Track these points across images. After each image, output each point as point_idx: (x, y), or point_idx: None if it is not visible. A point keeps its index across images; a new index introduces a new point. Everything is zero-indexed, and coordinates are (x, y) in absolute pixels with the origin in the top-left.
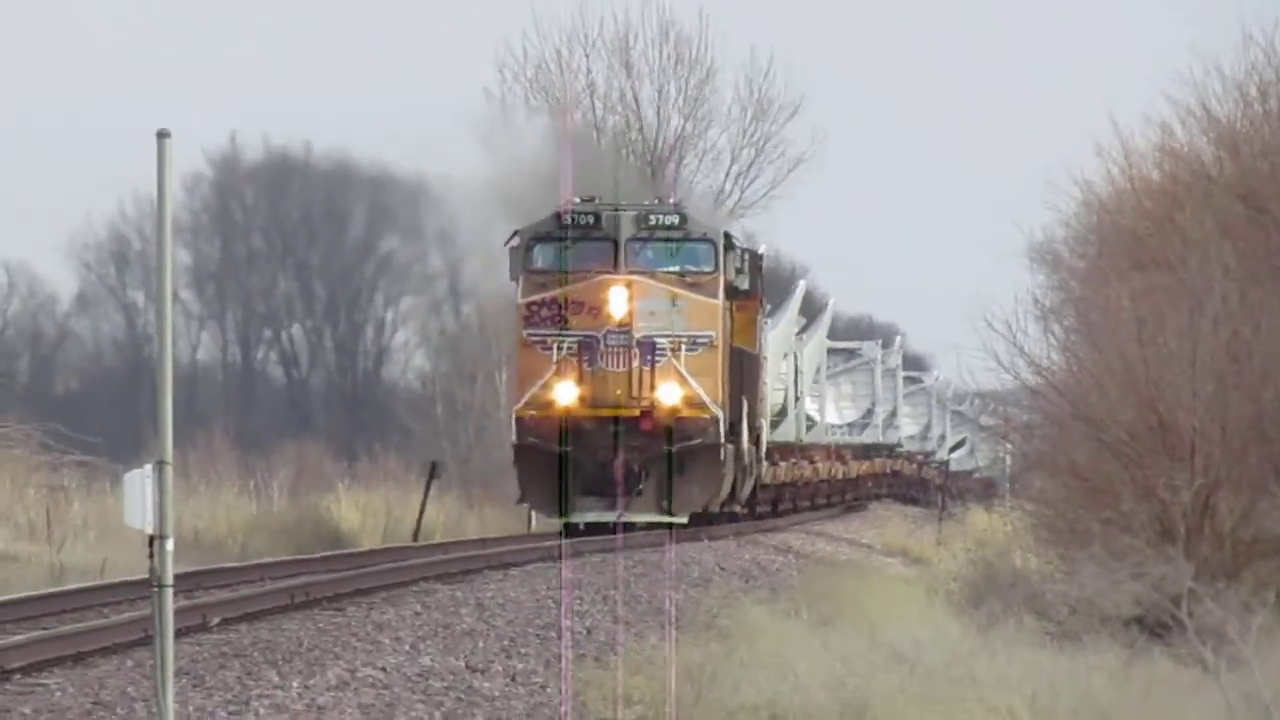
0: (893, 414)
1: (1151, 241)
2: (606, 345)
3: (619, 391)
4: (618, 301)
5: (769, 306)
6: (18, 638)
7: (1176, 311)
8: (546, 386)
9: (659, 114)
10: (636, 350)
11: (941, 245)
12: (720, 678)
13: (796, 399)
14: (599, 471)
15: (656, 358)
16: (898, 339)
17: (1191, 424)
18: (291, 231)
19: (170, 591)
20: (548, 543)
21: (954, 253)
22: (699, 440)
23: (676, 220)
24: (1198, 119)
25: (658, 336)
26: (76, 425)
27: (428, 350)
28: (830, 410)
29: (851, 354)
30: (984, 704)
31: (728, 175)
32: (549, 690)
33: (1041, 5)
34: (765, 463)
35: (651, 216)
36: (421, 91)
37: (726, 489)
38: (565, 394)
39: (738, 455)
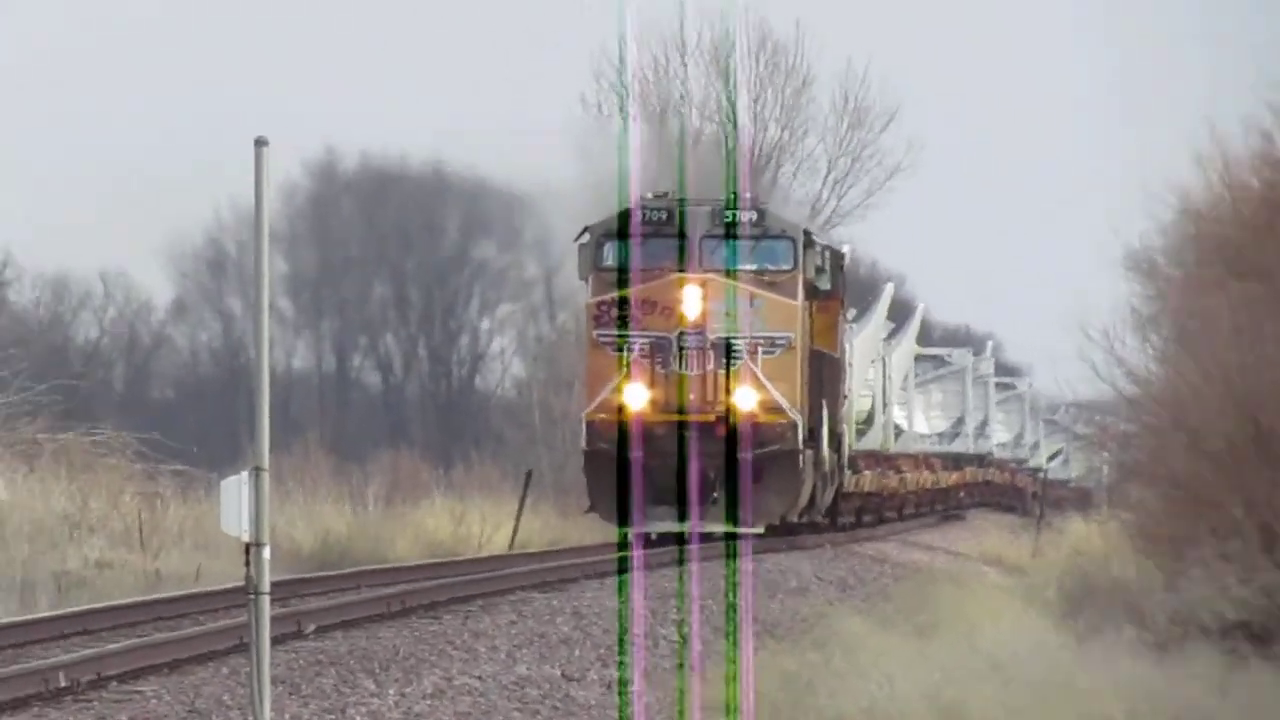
0: (984, 423)
1: (1250, 250)
2: (680, 347)
3: (692, 395)
4: (691, 301)
5: (855, 311)
6: (114, 645)
7: (1275, 320)
8: (617, 390)
9: (756, 122)
10: (711, 352)
11: (1039, 254)
12: (816, 686)
13: (884, 407)
14: (671, 479)
15: (732, 360)
16: (989, 345)
17: None
18: (387, 240)
19: (267, 599)
20: (646, 551)
21: (1052, 262)
22: (776, 447)
23: (754, 216)
24: None
25: (733, 338)
26: (172, 433)
27: (524, 358)
28: (919, 419)
29: (941, 361)
30: (1082, 714)
31: (824, 183)
32: (646, 699)
33: (1141, 11)
34: (848, 471)
35: (727, 212)
36: (518, 99)
37: (805, 498)
38: (636, 398)
39: (817, 463)
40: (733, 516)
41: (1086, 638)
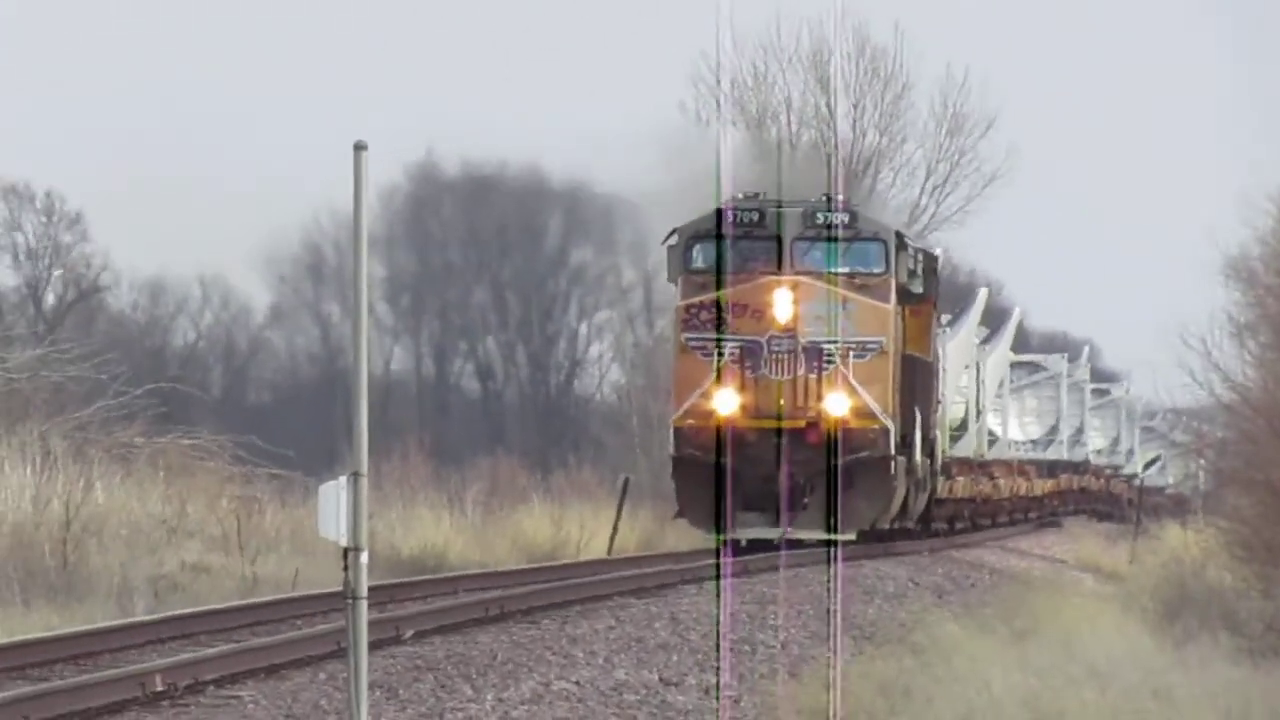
0: (1079, 430)
1: None
2: (770, 351)
3: (783, 401)
4: (782, 304)
5: (949, 316)
6: (211, 650)
7: None
8: (706, 395)
9: (855, 129)
10: (802, 357)
11: (1138, 261)
12: (914, 692)
13: (978, 413)
14: (761, 486)
15: (823, 365)
16: (1085, 351)
17: None
18: (487, 244)
19: (364, 604)
20: (743, 557)
21: (1150, 269)
22: (868, 453)
23: (846, 218)
24: None
25: (824, 342)
26: (270, 437)
27: (622, 363)
28: (1013, 425)
29: (1036, 368)
30: None
31: (923, 190)
32: (743, 704)
33: (1234, 20)
34: (942, 477)
35: (819, 214)
36: (617, 105)
37: (897, 505)
38: (726, 403)
39: (910, 469)
40: (824, 523)
41: (1182, 644)
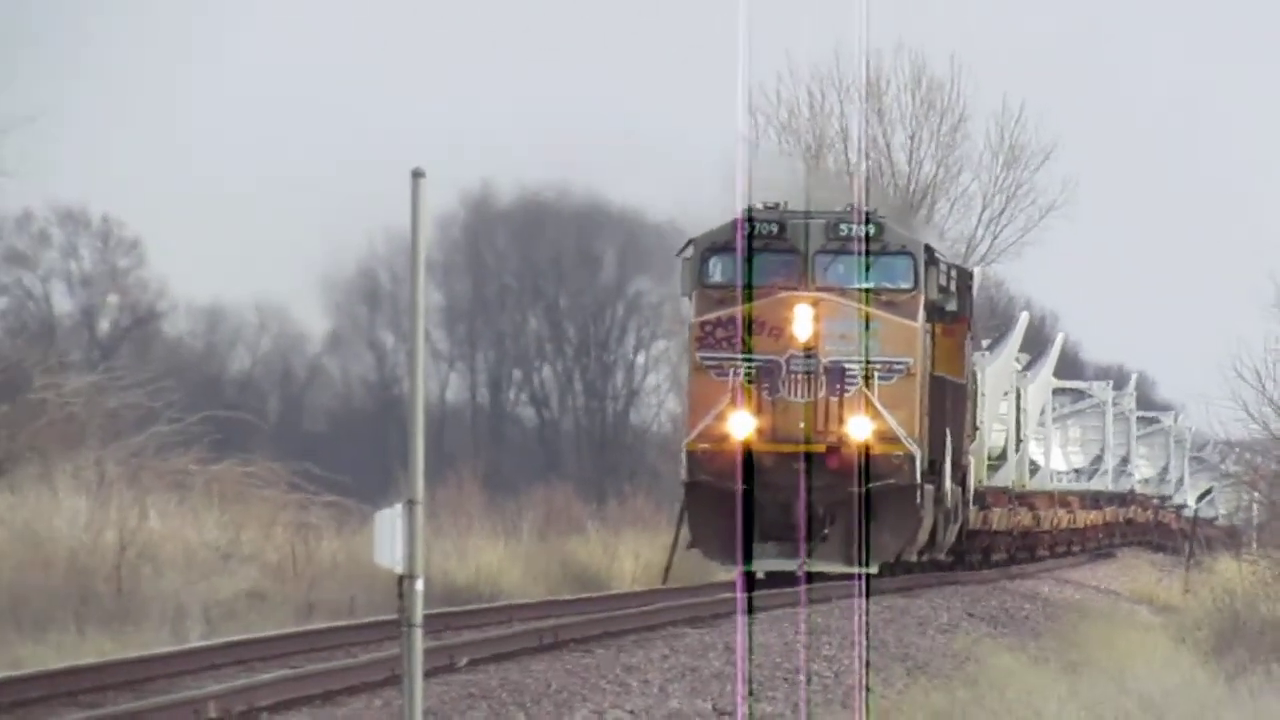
0: (1125, 460)
1: None
2: (789, 371)
3: (803, 424)
4: (803, 322)
5: (989, 340)
6: (266, 676)
7: None
8: (721, 417)
9: (911, 160)
10: (823, 377)
11: (1194, 295)
12: None
13: (1019, 442)
14: (779, 514)
15: (846, 386)
16: (1132, 379)
17: None
18: (543, 273)
19: (419, 631)
20: (794, 588)
21: (1206, 303)
22: (893, 480)
23: (871, 230)
24: None
25: (847, 362)
26: (325, 464)
27: (678, 394)
28: (1056, 455)
29: (1081, 395)
30: None
31: (979, 221)
32: None
33: None
34: (975, 507)
35: (843, 226)
36: (674, 133)
37: (925, 536)
38: (742, 426)
39: (939, 498)
40: (845, 554)
41: (1234, 677)
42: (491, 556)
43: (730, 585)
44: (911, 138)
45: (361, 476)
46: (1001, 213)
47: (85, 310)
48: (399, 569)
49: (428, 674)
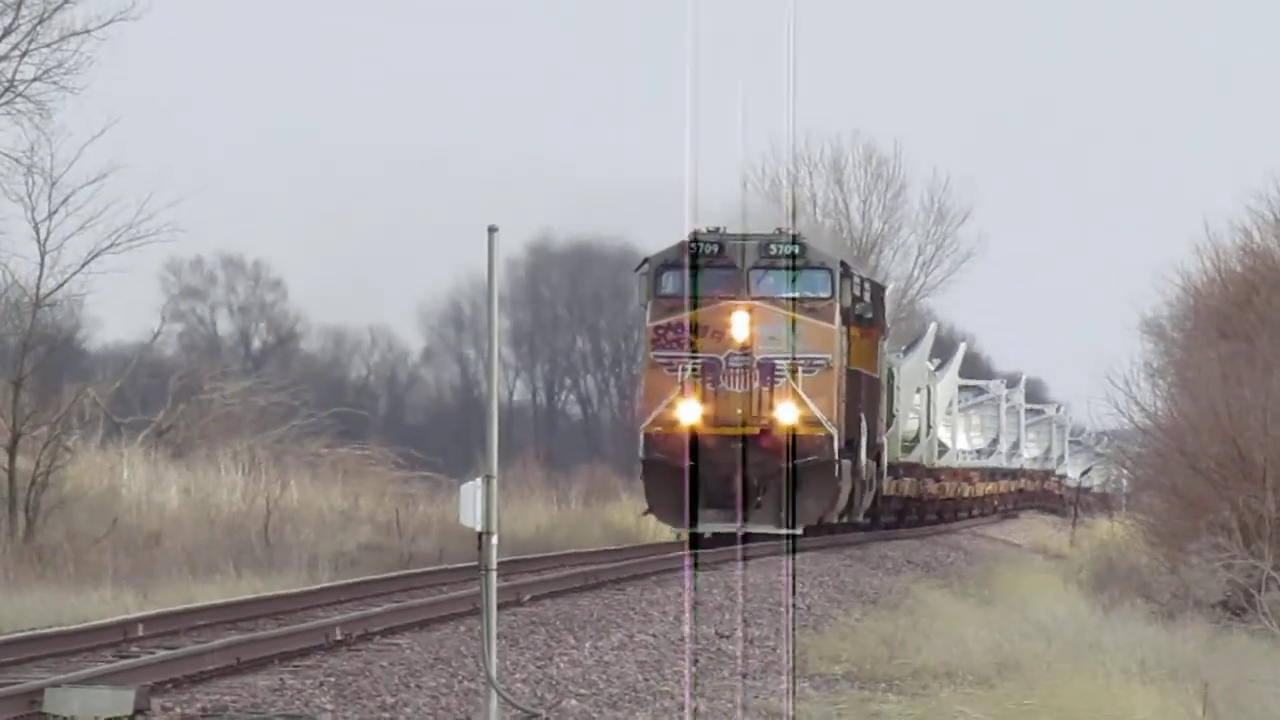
0: (1015, 444)
1: (1234, 318)
2: (729, 367)
3: (740, 411)
4: (740, 326)
5: (905, 346)
6: (377, 608)
7: (1252, 371)
8: (672, 406)
9: (864, 218)
10: (757, 372)
11: (1079, 319)
12: (907, 643)
13: (929, 428)
14: (721, 485)
15: (775, 379)
16: (1022, 379)
17: (1264, 456)
18: (587, 303)
19: (494, 575)
20: (777, 542)
21: (1088, 325)
22: (815, 457)
23: (796, 249)
24: (1271, 225)
25: (777, 359)
26: (423, 449)
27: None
28: (961, 438)
29: (980, 391)
30: (1105, 665)
31: (915, 265)
32: (778, 651)
33: (1152, 139)
34: (889, 478)
35: (772, 245)
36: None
37: (843, 502)
38: (690, 413)
39: (855, 471)
40: (776, 518)
41: (1109, 608)
42: (547, 518)
43: (728, 539)
44: (864, 201)
45: (449, 458)
46: (932, 258)
47: (242, 332)
48: (478, 527)
49: (500, 607)
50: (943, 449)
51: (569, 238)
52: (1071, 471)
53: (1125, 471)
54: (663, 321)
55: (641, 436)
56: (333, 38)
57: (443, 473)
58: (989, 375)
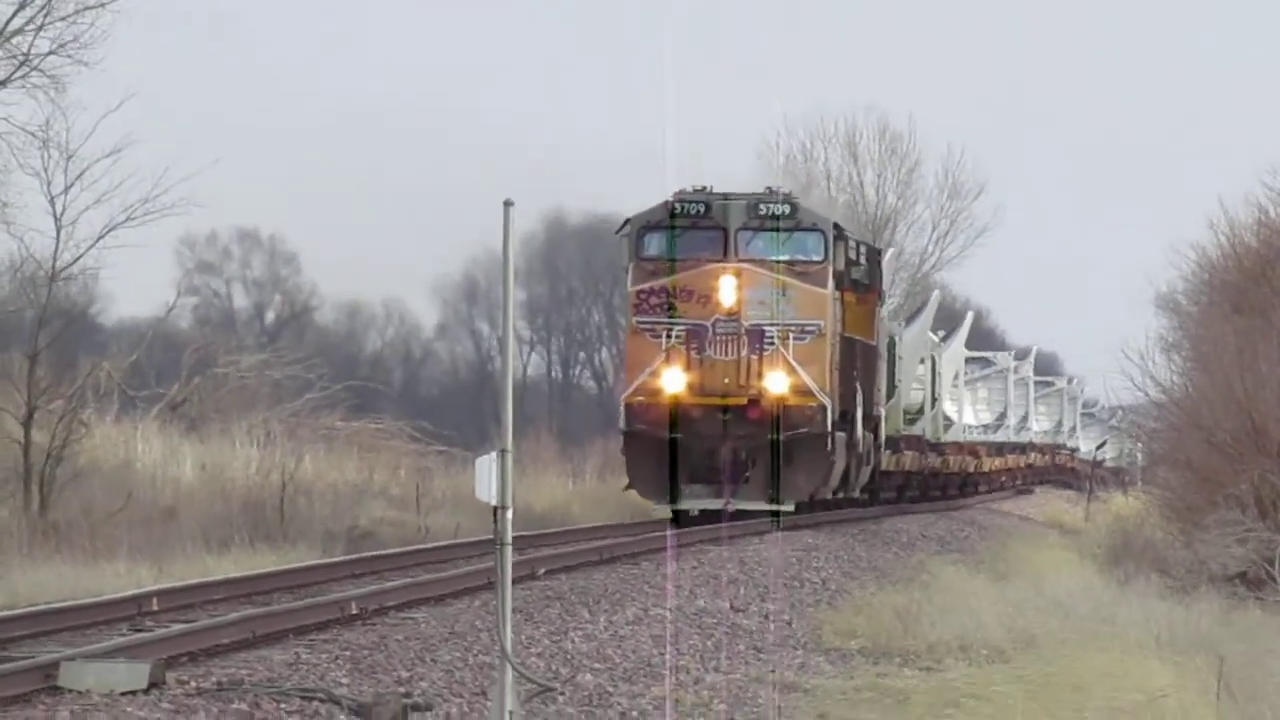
0: (1025, 418)
1: (1249, 293)
2: (715, 333)
3: (727, 379)
4: (727, 290)
5: (909, 314)
6: (393, 583)
7: (1267, 345)
8: (655, 374)
9: (878, 193)
10: (745, 338)
11: (1095, 293)
12: (922, 618)
13: (934, 400)
14: (706, 459)
15: (765, 346)
16: (1032, 350)
17: (1279, 430)
18: (602, 277)
19: (509, 549)
20: (791, 517)
21: (1105, 298)
22: (806, 429)
23: (786, 210)
24: None
25: (766, 325)
26: (438, 422)
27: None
28: (968, 412)
29: (988, 363)
30: (1120, 639)
31: (930, 240)
32: (794, 625)
33: (1168, 115)
34: (888, 451)
35: (761, 206)
36: (701, 170)
37: (837, 477)
38: (673, 381)
39: (850, 443)
40: (765, 494)
41: (1124, 583)
42: (562, 493)
43: (746, 514)
44: (879, 176)
45: (465, 432)
46: (947, 233)
47: (257, 306)
48: (494, 501)
49: (515, 581)
50: (949, 423)
51: (583, 214)
52: (1084, 444)
53: (1140, 446)
54: (645, 285)
55: (622, 406)
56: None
57: (457, 446)
58: (1003, 349)
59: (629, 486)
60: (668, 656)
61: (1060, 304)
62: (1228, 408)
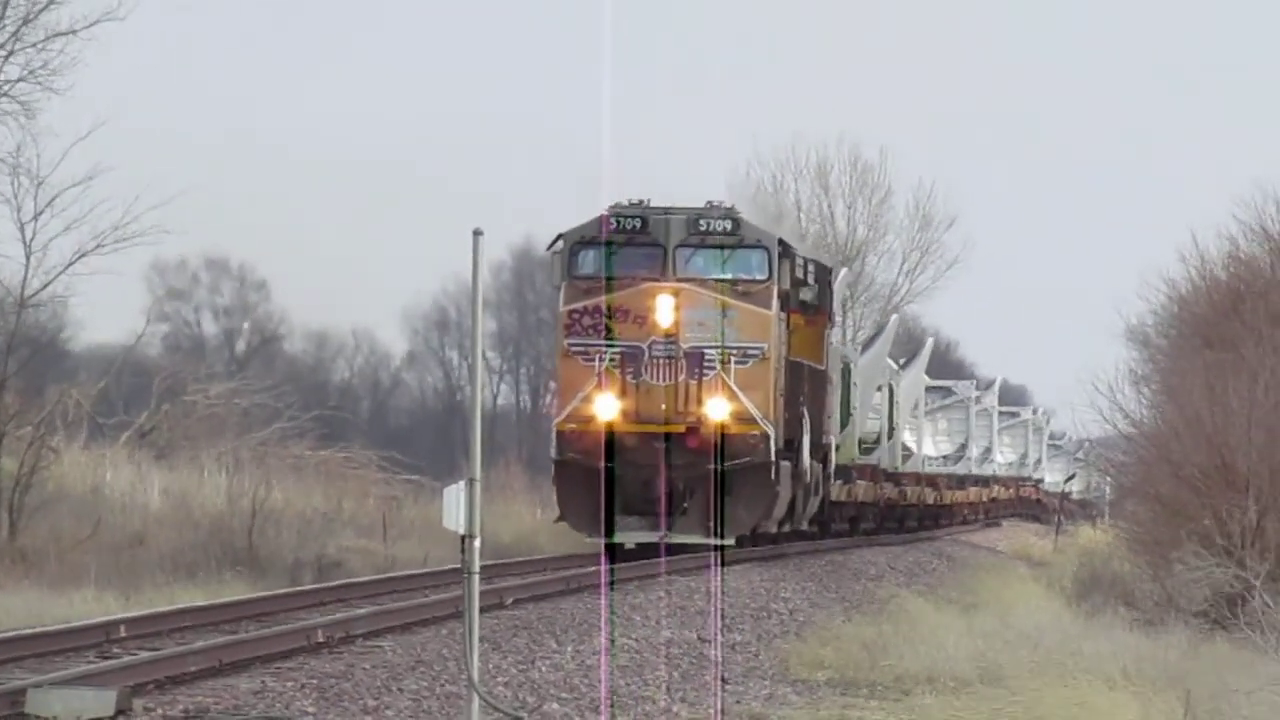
0: (988, 450)
1: (1219, 327)
2: (651, 356)
3: (664, 406)
4: (664, 310)
5: (864, 340)
6: (360, 611)
7: (1237, 380)
8: (588, 400)
9: (849, 224)
10: (683, 362)
11: (1065, 323)
12: (889, 649)
13: (891, 430)
14: (642, 490)
15: (704, 370)
16: (996, 380)
17: (1247, 465)
18: None
19: (477, 578)
20: (757, 549)
21: (1073, 330)
22: (748, 458)
23: (728, 225)
24: (1256, 234)
25: (706, 348)
26: (406, 452)
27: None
28: (928, 443)
29: (949, 392)
30: (1088, 673)
31: (900, 271)
32: (760, 656)
33: (1138, 146)
34: (839, 481)
35: (702, 221)
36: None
37: (782, 509)
38: (607, 408)
39: (796, 473)
40: (704, 527)
41: (1092, 615)
42: (530, 522)
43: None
44: (849, 207)
45: (433, 461)
46: (917, 265)
47: (226, 333)
48: (462, 530)
49: (483, 610)
50: (908, 453)
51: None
52: (1050, 477)
53: (1108, 478)
54: (578, 305)
55: (553, 434)
56: (328, 39)
57: (426, 476)
58: (970, 379)
59: (560, 518)
60: (603, 686)
61: (1030, 336)
62: (1197, 442)
